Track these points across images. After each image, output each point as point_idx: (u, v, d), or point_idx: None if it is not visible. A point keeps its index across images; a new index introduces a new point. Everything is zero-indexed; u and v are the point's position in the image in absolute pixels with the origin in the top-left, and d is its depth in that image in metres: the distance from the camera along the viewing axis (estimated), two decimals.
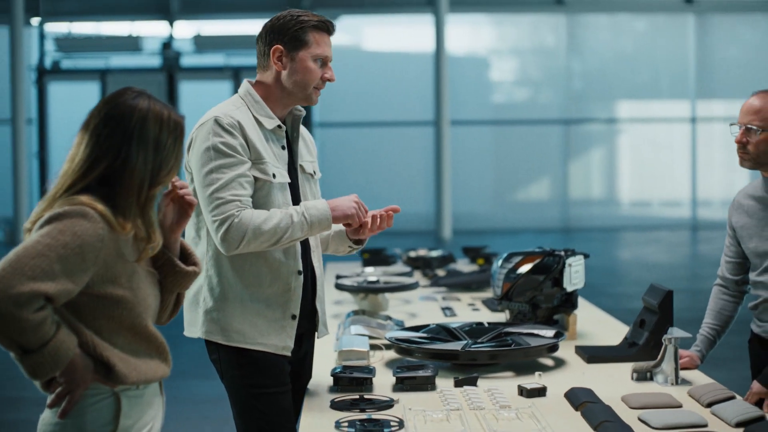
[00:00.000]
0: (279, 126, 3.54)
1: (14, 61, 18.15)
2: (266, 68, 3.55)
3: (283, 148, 3.56)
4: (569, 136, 21.95)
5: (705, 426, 3.05)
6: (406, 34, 21.76)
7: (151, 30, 21.63)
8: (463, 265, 6.87)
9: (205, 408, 6.67)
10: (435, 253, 6.93)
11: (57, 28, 21.54)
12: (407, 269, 6.17)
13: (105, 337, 2.63)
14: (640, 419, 3.14)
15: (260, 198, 3.43)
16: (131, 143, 2.64)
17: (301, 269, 3.50)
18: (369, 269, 6.02)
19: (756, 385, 3.57)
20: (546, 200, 22.27)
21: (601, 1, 21.79)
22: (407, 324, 4.69)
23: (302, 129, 3.72)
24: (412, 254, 6.96)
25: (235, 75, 20.43)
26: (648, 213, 22.29)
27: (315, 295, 3.63)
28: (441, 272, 6.59)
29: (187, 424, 6.78)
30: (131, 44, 20.90)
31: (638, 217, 22.08)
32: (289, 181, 3.54)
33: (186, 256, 2.87)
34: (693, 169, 21.83)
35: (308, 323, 3.61)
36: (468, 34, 21.91)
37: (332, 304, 5.54)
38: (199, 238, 3.48)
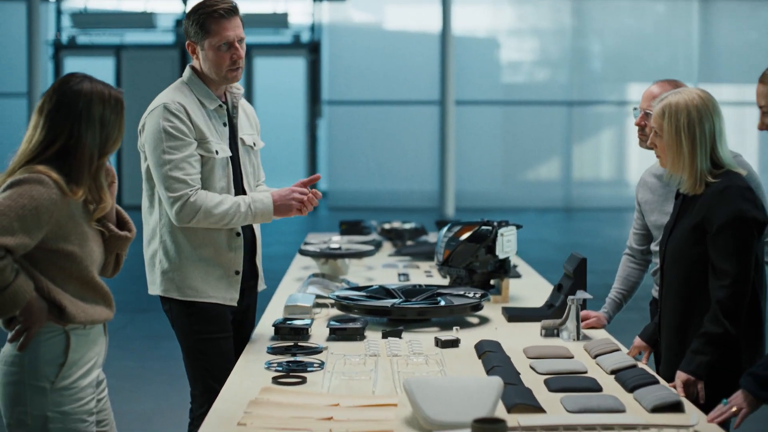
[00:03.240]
0: (220, 105, 4.01)
1: (31, 37, 18.63)
2: (193, 58, 4.04)
3: (224, 125, 4.03)
4: (577, 117, 22.29)
5: (584, 372, 3.50)
6: (414, 16, 22.12)
7: (165, 7, 22.07)
8: (435, 237, 7.29)
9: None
10: (408, 226, 7.36)
11: (73, 4, 22.03)
12: (370, 238, 6.62)
13: (58, 284, 3.14)
14: (530, 366, 3.59)
15: (205, 172, 3.93)
16: (80, 124, 3.15)
17: (239, 232, 4.00)
18: (335, 237, 6.47)
19: (637, 340, 4.02)
20: (552, 180, 22.62)
21: None
22: None
23: (244, 103, 4.20)
24: (387, 226, 7.40)
25: (247, 53, 20.85)
26: None
27: (255, 254, 4.12)
28: (411, 243, 7.03)
29: (175, 382, 7.30)
30: (145, 21, 21.36)
31: None
32: (231, 155, 4.01)
33: (122, 223, 3.36)
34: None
35: (250, 279, 4.12)
36: (478, 15, 22.24)
37: (300, 269, 6.00)
38: (153, 208, 3.98)
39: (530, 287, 5.38)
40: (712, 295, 3.42)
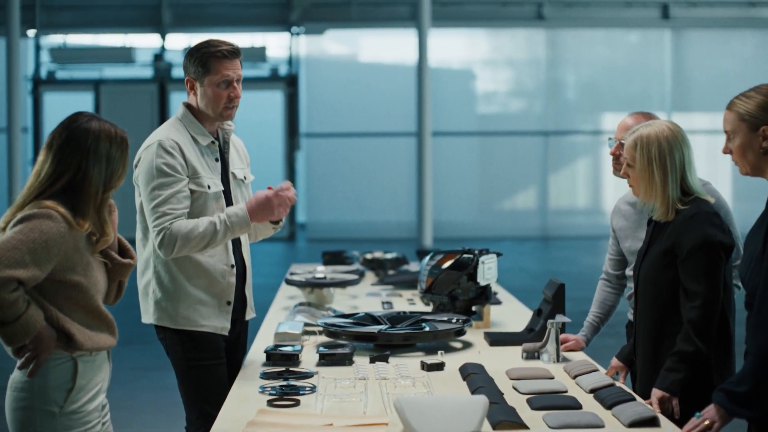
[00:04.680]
0: (212, 141, 4.18)
1: (10, 72, 18.75)
2: (190, 94, 4.20)
3: (216, 160, 4.20)
4: (552, 147, 22.56)
5: (565, 391, 3.67)
6: (390, 48, 22.40)
7: (144, 42, 22.27)
8: (416, 266, 7.45)
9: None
10: (389, 255, 7.52)
11: (52, 39, 22.19)
12: (353, 268, 6.79)
13: (66, 313, 3.30)
14: (513, 387, 3.76)
15: (197, 207, 4.09)
16: (88, 159, 3.32)
17: (233, 263, 4.16)
18: (320, 267, 6.64)
19: (614, 360, 4.20)
20: (528, 209, 22.86)
21: (581, 17, 22.42)
22: None
23: (234, 138, 4.37)
24: (368, 256, 7.56)
25: None
26: None
27: (245, 284, 4.28)
28: (392, 272, 7.19)
29: (165, 412, 7.43)
30: (124, 56, 21.54)
31: None
32: (223, 189, 4.18)
33: (123, 251, 3.53)
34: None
35: (240, 308, 4.28)
36: (453, 47, 22.51)
37: (286, 298, 6.15)
38: (146, 240, 4.14)
39: (510, 313, 5.55)
40: (684, 315, 3.60)
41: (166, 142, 4.04)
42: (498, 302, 5.87)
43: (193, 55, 4.14)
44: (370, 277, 7.19)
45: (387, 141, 22.12)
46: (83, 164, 3.32)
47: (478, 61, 22.89)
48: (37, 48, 21.83)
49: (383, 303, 5.87)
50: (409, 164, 21.56)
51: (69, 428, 3.29)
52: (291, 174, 21.86)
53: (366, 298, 6.18)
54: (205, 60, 4.10)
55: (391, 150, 22.09)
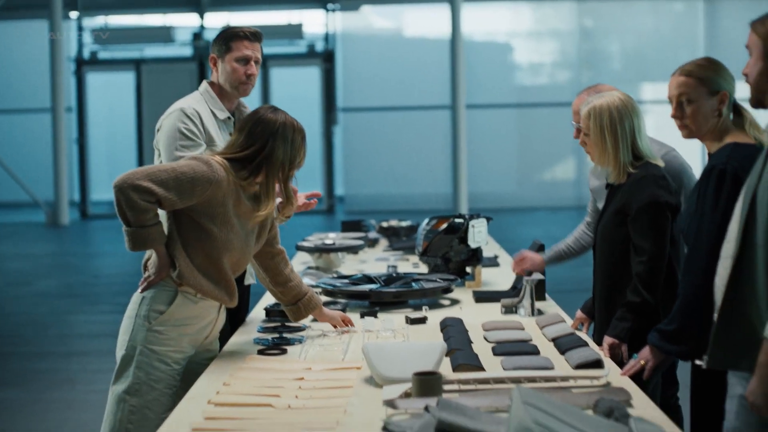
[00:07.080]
0: (228, 117, 4.63)
1: (54, 53, 19.30)
2: (213, 71, 4.66)
3: (230, 134, 4.62)
4: None
5: (529, 340, 4.03)
6: (425, 22, 22.68)
7: (183, 21, 22.73)
8: None
9: None
10: (404, 224, 7.89)
11: (94, 20, 22.71)
12: (363, 235, 7.17)
13: (188, 250, 3.77)
14: (484, 337, 4.13)
15: None
16: (276, 138, 3.82)
17: None
18: (332, 234, 7.03)
19: (578, 313, 4.55)
20: (567, 180, 23.05)
21: None
22: None
23: None
24: (384, 224, 7.93)
25: (263, 63, 21.45)
26: None
27: None
28: (405, 239, 7.56)
29: None
30: (164, 35, 22.02)
31: None
32: None
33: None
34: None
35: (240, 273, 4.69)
36: (491, 18, 22.75)
37: (299, 264, 6.54)
38: None
39: (505, 275, 5.88)
40: (633, 269, 3.94)
41: (187, 109, 4.52)
42: (496, 264, 6.21)
43: (220, 36, 4.67)
44: (383, 244, 7.56)
45: (423, 114, 22.43)
46: (270, 141, 3.80)
47: (517, 33, 23.10)
48: (80, 29, 22.37)
49: (389, 266, 6.23)
50: (446, 137, 21.86)
51: (151, 343, 3.74)
52: (329, 148, 22.25)
53: (374, 262, 6.54)
54: (228, 39, 4.63)
55: (428, 123, 22.40)
